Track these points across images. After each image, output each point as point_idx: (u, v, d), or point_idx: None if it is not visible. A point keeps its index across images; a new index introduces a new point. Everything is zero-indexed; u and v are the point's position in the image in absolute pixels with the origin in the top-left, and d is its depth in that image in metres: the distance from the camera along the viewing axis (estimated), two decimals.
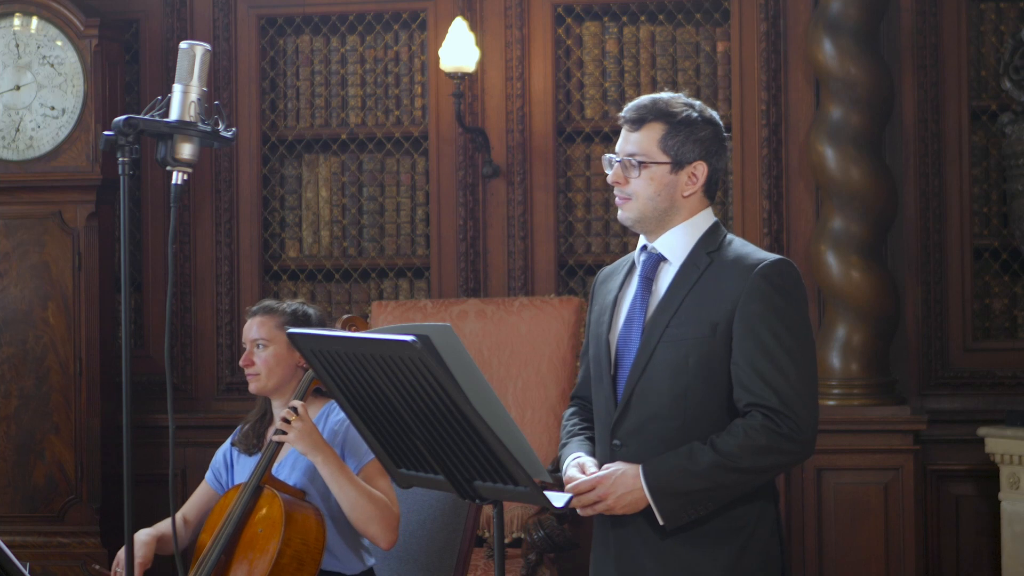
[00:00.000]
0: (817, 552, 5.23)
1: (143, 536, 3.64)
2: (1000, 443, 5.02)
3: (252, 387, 3.74)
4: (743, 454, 2.82)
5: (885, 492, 5.18)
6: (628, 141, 2.96)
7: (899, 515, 5.16)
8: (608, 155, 2.99)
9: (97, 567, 3.91)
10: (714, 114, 3.00)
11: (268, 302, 3.82)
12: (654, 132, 2.94)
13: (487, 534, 4.70)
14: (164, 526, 3.74)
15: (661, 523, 2.87)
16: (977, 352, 5.42)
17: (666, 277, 2.96)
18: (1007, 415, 5.08)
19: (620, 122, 3.00)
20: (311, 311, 3.80)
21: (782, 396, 2.83)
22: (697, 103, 2.98)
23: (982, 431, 5.10)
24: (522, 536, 4.76)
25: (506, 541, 4.83)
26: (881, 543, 5.16)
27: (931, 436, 5.29)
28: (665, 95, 2.99)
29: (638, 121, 2.95)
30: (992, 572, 5.30)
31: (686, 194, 2.95)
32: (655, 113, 2.94)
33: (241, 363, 3.74)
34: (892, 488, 5.17)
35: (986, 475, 5.22)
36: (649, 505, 2.86)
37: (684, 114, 2.94)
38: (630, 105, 2.99)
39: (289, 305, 3.79)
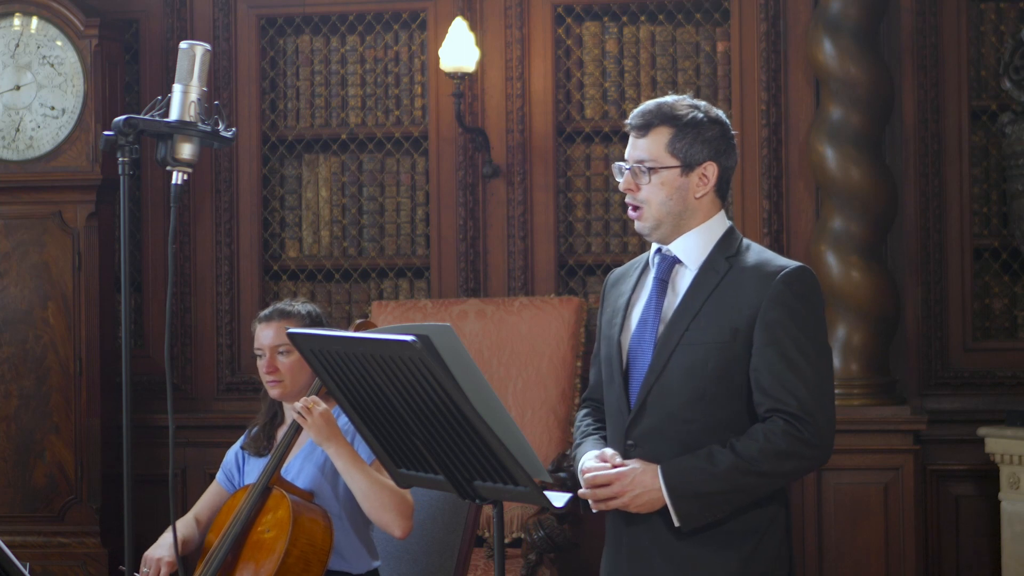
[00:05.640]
0: (817, 552, 5.23)
1: (169, 537, 3.61)
2: (1000, 443, 5.02)
3: (274, 393, 3.70)
4: (763, 458, 2.83)
5: (885, 492, 5.17)
6: (636, 147, 2.96)
7: (899, 515, 5.15)
8: (618, 163, 2.99)
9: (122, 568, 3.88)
10: (720, 113, 2.99)
11: (280, 306, 3.76)
12: (661, 136, 2.94)
13: (487, 534, 4.70)
14: (187, 529, 3.73)
15: (677, 524, 2.87)
16: (977, 352, 5.41)
17: (683, 280, 2.96)
18: (1007, 415, 5.08)
19: (627, 129, 3.00)
20: (323, 314, 3.79)
21: (802, 402, 2.84)
22: (702, 104, 2.98)
23: (982, 431, 5.10)
24: (522, 536, 4.76)
25: (506, 541, 4.83)
26: (881, 543, 5.16)
27: (931, 436, 5.29)
28: (670, 98, 2.99)
29: (644, 127, 2.95)
30: (992, 572, 5.29)
31: (698, 195, 2.95)
32: (661, 117, 2.94)
33: (265, 370, 3.68)
34: (892, 488, 5.17)
35: (986, 475, 5.22)
36: (665, 505, 2.86)
37: (690, 116, 2.94)
38: (635, 111, 2.98)
39: (303, 307, 3.75)
